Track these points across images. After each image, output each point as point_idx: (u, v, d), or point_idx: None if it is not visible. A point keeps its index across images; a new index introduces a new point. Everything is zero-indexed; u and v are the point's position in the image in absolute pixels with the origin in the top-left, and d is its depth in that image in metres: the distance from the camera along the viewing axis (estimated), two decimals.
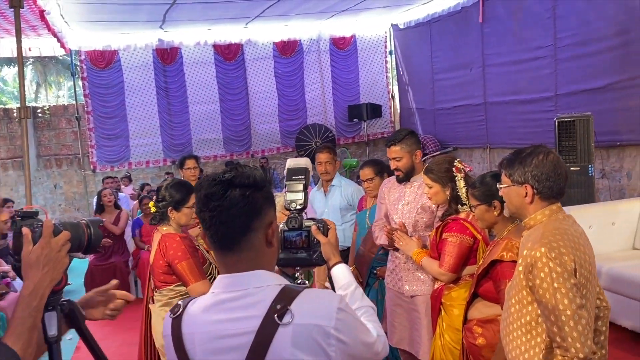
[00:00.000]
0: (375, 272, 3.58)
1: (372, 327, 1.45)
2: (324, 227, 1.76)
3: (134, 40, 9.53)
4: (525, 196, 2.06)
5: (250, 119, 10.23)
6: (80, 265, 7.02)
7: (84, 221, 1.51)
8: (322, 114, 10.56)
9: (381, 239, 3.18)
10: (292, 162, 1.82)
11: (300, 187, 1.75)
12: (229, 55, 9.97)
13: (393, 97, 10.92)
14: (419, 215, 3.06)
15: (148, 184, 8.70)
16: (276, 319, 1.22)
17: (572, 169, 4.86)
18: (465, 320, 2.62)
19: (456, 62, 8.78)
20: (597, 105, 6.05)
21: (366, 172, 3.73)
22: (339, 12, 9.03)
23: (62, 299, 1.48)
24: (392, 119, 10.98)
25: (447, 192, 2.83)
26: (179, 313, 1.34)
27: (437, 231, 2.83)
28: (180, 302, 1.38)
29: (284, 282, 1.33)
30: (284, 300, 1.25)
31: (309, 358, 1.22)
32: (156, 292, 2.95)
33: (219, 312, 1.28)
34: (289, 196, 1.74)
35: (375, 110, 10.17)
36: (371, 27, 10.46)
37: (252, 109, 10.23)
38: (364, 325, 1.40)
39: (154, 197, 3.09)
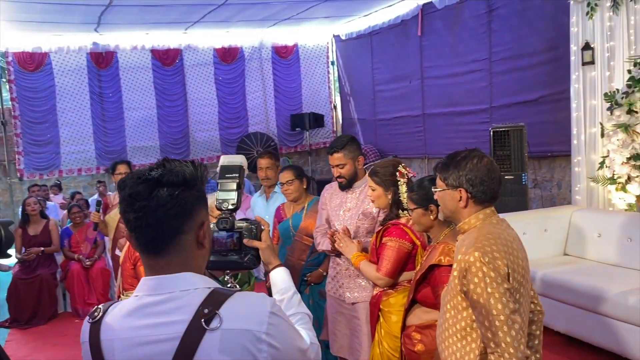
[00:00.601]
0: (305, 278, 3.54)
1: (306, 334, 1.38)
2: (257, 228, 1.67)
3: (67, 42, 9.13)
4: (460, 200, 2.05)
5: (188, 126, 9.99)
6: (3, 279, 6.58)
7: None
8: (264, 123, 10.46)
9: (323, 245, 3.14)
10: (225, 160, 1.71)
11: (234, 186, 1.65)
12: (167, 61, 9.73)
13: (335, 107, 10.97)
14: (360, 222, 3.05)
15: (79, 193, 8.31)
16: (203, 323, 1.13)
17: (506, 177, 4.99)
18: (404, 327, 2.60)
19: (396, 74, 8.92)
20: (530, 118, 6.27)
21: (285, 175, 3.65)
22: (281, 20, 9.00)
23: None
24: (334, 128, 11.02)
25: (389, 196, 2.82)
26: (97, 318, 1.23)
27: (377, 235, 2.81)
28: (100, 306, 1.27)
29: (214, 285, 1.24)
30: (212, 304, 1.16)
31: None
32: (123, 294, 2.86)
33: (142, 317, 1.18)
34: (221, 195, 1.64)
35: (317, 120, 10.17)
36: (313, 37, 10.49)
37: (191, 116, 10.00)
38: (297, 331, 1.33)
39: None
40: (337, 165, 3.08)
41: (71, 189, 9.05)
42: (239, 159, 1.72)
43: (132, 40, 9.44)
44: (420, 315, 2.55)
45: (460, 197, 2.04)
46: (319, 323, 3.43)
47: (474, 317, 1.95)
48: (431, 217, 2.51)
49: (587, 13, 4.98)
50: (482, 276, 1.87)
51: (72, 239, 6.43)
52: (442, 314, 2.10)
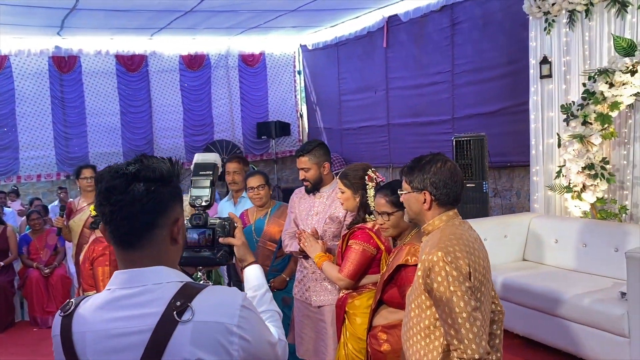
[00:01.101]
0: (269, 284, 3.56)
1: (275, 331, 1.42)
2: (230, 225, 1.69)
3: (28, 45, 8.92)
4: (424, 202, 2.12)
5: (153, 133, 9.86)
6: None
7: None
8: (230, 130, 10.43)
9: (291, 246, 3.17)
10: (199, 157, 1.74)
11: (207, 183, 1.68)
12: (132, 67, 9.61)
13: (302, 116, 11.03)
14: (326, 225, 3.09)
15: (38, 199, 8.10)
16: (175, 316, 1.16)
17: (468, 185, 5.12)
18: (370, 328, 2.64)
19: (362, 84, 9.05)
20: (490, 129, 6.45)
21: (256, 180, 3.68)
22: (248, 29, 9.02)
23: None
24: (301, 137, 11.07)
25: (357, 199, 2.87)
26: (69, 311, 1.24)
27: (343, 239, 2.86)
28: (72, 300, 1.28)
29: (186, 279, 1.26)
30: (184, 297, 1.18)
31: (209, 357, 1.16)
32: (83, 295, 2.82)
33: (114, 310, 1.19)
34: (194, 192, 1.66)
35: (284, 129, 10.20)
36: (280, 46, 10.55)
37: (156, 122, 9.89)
38: (267, 326, 1.37)
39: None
40: (302, 168, 3.13)
41: (30, 195, 8.81)
42: (213, 157, 1.75)
43: (96, 44, 9.29)
44: (387, 316, 2.59)
45: (425, 199, 2.11)
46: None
47: (437, 316, 2.01)
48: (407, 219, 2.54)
49: (545, 28, 5.19)
50: (445, 275, 1.93)
51: (31, 246, 6.26)
52: (407, 313, 2.16)
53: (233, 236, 1.68)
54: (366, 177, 2.86)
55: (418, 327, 2.08)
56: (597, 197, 4.53)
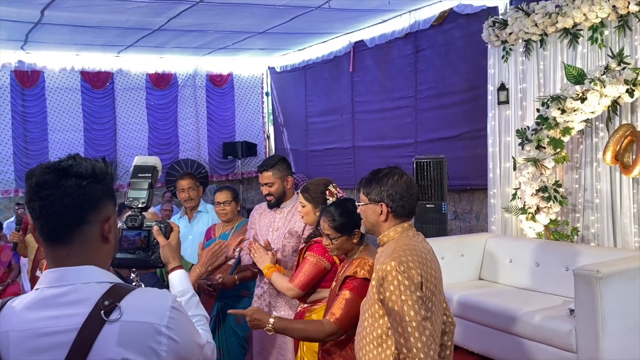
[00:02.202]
0: (220, 279, 3.53)
1: (203, 333, 1.43)
2: (167, 228, 1.70)
3: None
4: (381, 214, 2.18)
5: (116, 151, 9.75)
6: None
7: None
8: (196, 150, 10.39)
9: (246, 259, 3.17)
10: (139, 160, 1.76)
11: (146, 185, 1.69)
12: (97, 83, 9.53)
13: (268, 137, 11.08)
14: (286, 240, 3.12)
15: None
16: (102, 315, 1.15)
17: (427, 206, 5.23)
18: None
19: (328, 107, 9.18)
20: (451, 152, 6.61)
21: (224, 195, 3.67)
22: (216, 49, 9.09)
23: None
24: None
25: (317, 214, 2.90)
26: None
27: (301, 252, 2.88)
28: None
29: (116, 280, 1.25)
30: (112, 297, 1.18)
31: (136, 357, 1.15)
32: None
33: (41, 309, 1.17)
34: (132, 194, 1.67)
35: (250, 149, 10.22)
36: (249, 68, 10.64)
37: (120, 140, 9.78)
38: (196, 328, 1.38)
39: None
40: (265, 184, 3.16)
41: None
42: (153, 160, 1.77)
43: (61, 60, 9.19)
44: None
45: (381, 210, 2.17)
46: (230, 350, 3.40)
47: (389, 325, 2.05)
48: (354, 240, 2.57)
49: (503, 57, 5.41)
50: (397, 284, 1.98)
51: None
52: (361, 322, 2.19)
53: (167, 238, 1.69)
54: (327, 192, 2.90)
55: (371, 336, 2.11)
56: (550, 219, 4.69)
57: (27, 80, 9.07)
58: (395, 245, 2.11)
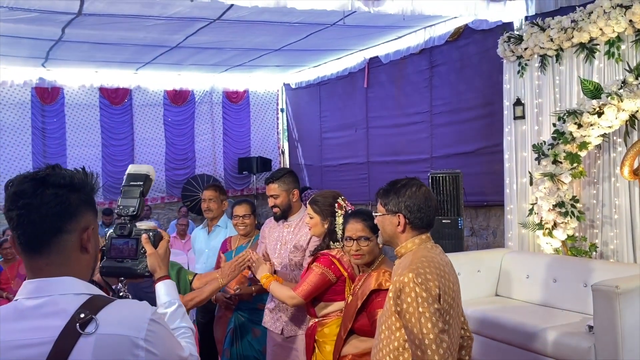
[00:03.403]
0: (237, 290, 3.54)
1: (186, 346, 1.42)
2: (156, 237, 1.69)
3: (12, 76, 8.96)
4: (398, 225, 2.17)
5: None
6: None
7: None
8: (212, 165, 10.48)
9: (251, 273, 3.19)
10: (132, 168, 1.77)
11: (137, 193, 1.69)
12: (115, 100, 9.69)
13: (283, 152, 11.14)
14: (292, 254, 3.13)
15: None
16: (78, 327, 1.14)
17: (443, 221, 5.20)
18: (339, 357, 2.64)
19: (343, 123, 9.22)
20: (467, 168, 6.58)
21: (242, 208, 3.70)
22: (233, 66, 9.20)
23: None
24: None
25: (325, 226, 2.91)
26: None
27: (308, 265, 2.89)
28: None
29: (96, 292, 1.25)
30: (89, 309, 1.17)
31: None
32: None
33: (18, 320, 1.17)
34: (122, 202, 1.68)
35: (265, 164, 10.28)
36: (264, 84, 10.75)
37: (137, 156, 9.90)
38: (178, 340, 1.36)
39: None
40: (271, 195, 3.19)
41: (2, 226, 8.67)
42: (146, 168, 1.77)
43: (80, 77, 9.36)
44: (357, 345, 2.60)
45: (399, 222, 2.17)
46: None
47: (406, 337, 2.04)
48: (380, 245, 2.58)
49: (519, 72, 5.40)
50: (415, 296, 1.97)
51: (2, 276, 6.15)
52: (378, 335, 2.18)
53: (156, 247, 1.68)
54: (336, 204, 2.91)
55: (387, 348, 2.10)
56: (567, 235, 4.64)
57: (47, 97, 9.25)
58: (413, 257, 2.11)
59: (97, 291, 1.25)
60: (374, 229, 2.51)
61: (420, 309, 1.96)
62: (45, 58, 8.09)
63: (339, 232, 2.86)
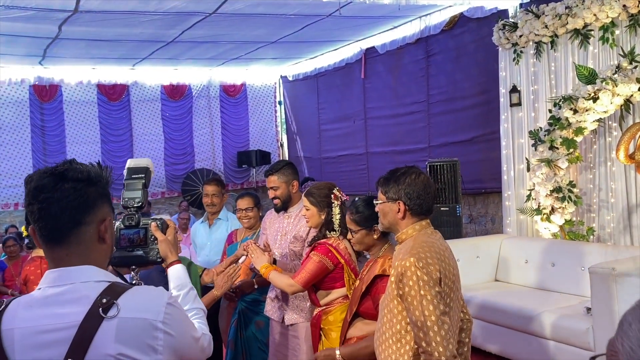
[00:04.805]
0: (236, 284, 3.58)
1: (199, 326, 1.52)
2: (163, 225, 1.76)
3: (9, 74, 8.97)
4: (398, 212, 2.22)
5: None
6: None
7: None
8: (211, 159, 10.51)
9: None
10: (132, 162, 1.83)
11: (140, 185, 1.77)
12: (113, 96, 9.70)
13: (282, 145, 11.17)
14: (292, 244, 3.18)
15: (14, 226, 8.02)
16: (101, 312, 1.20)
17: (441, 209, 5.26)
18: (344, 340, 2.70)
19: (341, 114, 9.25)
20: (465, 156, 6.64)
21: (246, 202, 3.73)
22: (229, 60, 9.21)
23: None
24: None
25: (322, 217, 2.97)
26: (0, 310, 1.27)
27: (307, 254, 2.95)
28: (4, 300, 1.33)
29: (115, 279, 1.32)
30: (110, 295, 1.23)
31: (133, 353, 1.21)
32: None
33: (43, 307, 1.24)
34: (127, 194, 1.74)
35: (264, 157, 10.32)
36: (261, 77, 10.76)
37: (136, 151, 9.92)
38: (191, 321, 1.46)
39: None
40: (271, 187, 3.24)
41: (5, 224, 8.73)
42: (145, 162, 1.84)
43: (77, 74, 9.38)
44: (362, 327, 2.65)
45: (399, 209, 2.21)
46: (252, 355, 3.46)
47: (408, 320, 2.09)
48: (374, 236, 2.65)
49: (514, 59, 5.44)
50: (416, 280, 2.02)
51: (6, 273, 6.19)
52: (380, 319, 2.23)
53: (164, 233, 1.76)
54: (332, 195, 2.96)
55: (390, 331, 2.15)
56: (565, 219, 4.70)
57: (46, 95, 9.26)
58: (413, 242, 2.15)
59: (116, 279, 1.32)
60: (359, 222, 2.62)
61: (422, 292, 2.01)
62: (42, 56, 8.10)
63: (336, 222, 2.92)
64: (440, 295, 2.02)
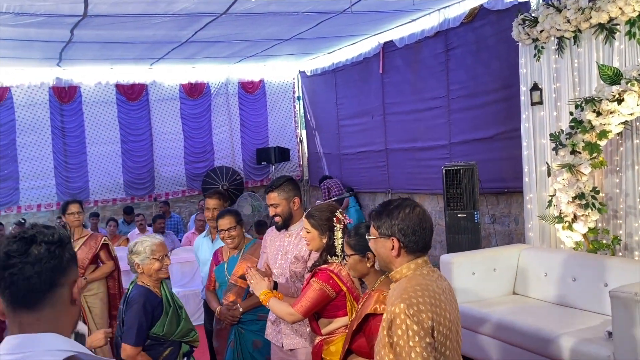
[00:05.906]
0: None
1: None
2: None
3: (29, 77, 9.07)
4: (392, 249, 2.06)
5: (153, 161, 9.92)
6: None
7: None
8: (230, 157, 10.46)
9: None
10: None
11: None
12: (132, 96, 9.71)
13: (301, 141, 11.05)
14: (293, 265, 3.07)
15: None
16: None
17: (458, 215, 5.06)
18: None
19: (359, 110, 9.05)
20: (486, 154, 6.40)
21: (227, 221, 3.52)
22: (247, 57, 9.10)
23: None
24: (301, 162, 11.08)
25: (324, 241, 2.83)
26: None
27: (307, 281, 2.82)
28: None
29: (78, 349, 1.27)
30: None
31: None
32: None
33: None
34: None
35: (283, 154, 10.22)
36: (279, 73, 10.63)
37: (156, 150, 9.95)
38: None
39: None
40: (271, 205, 3.12)
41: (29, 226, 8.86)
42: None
43: (96, 74, 9.42)
44: None
45: (393, 245, 2.06)
46: None
47: None
48: (367, 264, 2.51)
49: (535, 55, 5.15)
50: (406, 329, 1.88)
51: None
52: None
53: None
54: (334, 218, 2.82)
55: None
56: (588, 227, 4.45)
57: (65, 96, 9.33)
58: (406, 284, 2.01)
59: (80, 348, 1.28)
60: (353, 246, 2.52)
61: (411, 343, 1.87)
62: (59, 58, 8.13)
63: (338, 247, 2.78)
64: (430, 346, 1.89)
